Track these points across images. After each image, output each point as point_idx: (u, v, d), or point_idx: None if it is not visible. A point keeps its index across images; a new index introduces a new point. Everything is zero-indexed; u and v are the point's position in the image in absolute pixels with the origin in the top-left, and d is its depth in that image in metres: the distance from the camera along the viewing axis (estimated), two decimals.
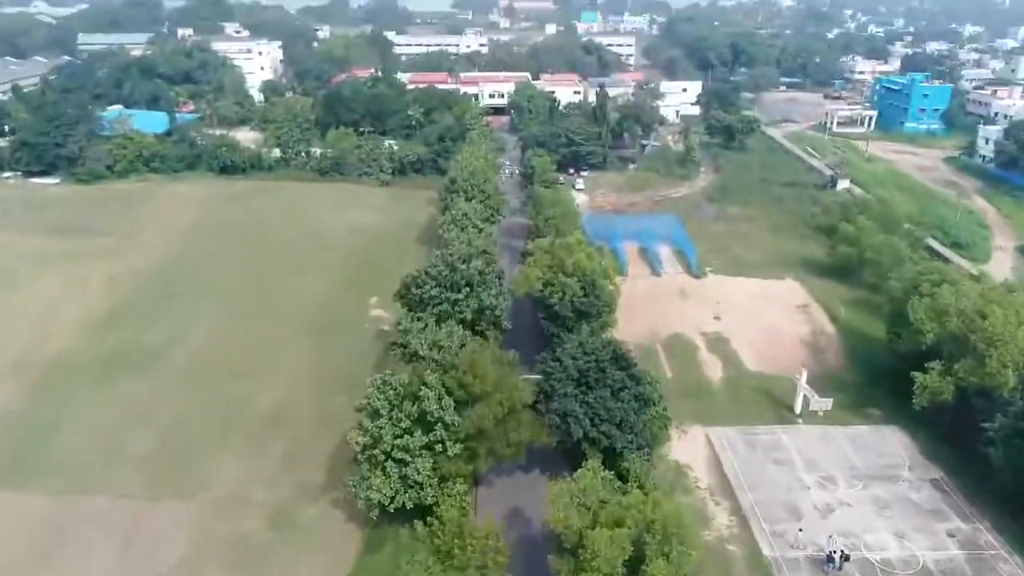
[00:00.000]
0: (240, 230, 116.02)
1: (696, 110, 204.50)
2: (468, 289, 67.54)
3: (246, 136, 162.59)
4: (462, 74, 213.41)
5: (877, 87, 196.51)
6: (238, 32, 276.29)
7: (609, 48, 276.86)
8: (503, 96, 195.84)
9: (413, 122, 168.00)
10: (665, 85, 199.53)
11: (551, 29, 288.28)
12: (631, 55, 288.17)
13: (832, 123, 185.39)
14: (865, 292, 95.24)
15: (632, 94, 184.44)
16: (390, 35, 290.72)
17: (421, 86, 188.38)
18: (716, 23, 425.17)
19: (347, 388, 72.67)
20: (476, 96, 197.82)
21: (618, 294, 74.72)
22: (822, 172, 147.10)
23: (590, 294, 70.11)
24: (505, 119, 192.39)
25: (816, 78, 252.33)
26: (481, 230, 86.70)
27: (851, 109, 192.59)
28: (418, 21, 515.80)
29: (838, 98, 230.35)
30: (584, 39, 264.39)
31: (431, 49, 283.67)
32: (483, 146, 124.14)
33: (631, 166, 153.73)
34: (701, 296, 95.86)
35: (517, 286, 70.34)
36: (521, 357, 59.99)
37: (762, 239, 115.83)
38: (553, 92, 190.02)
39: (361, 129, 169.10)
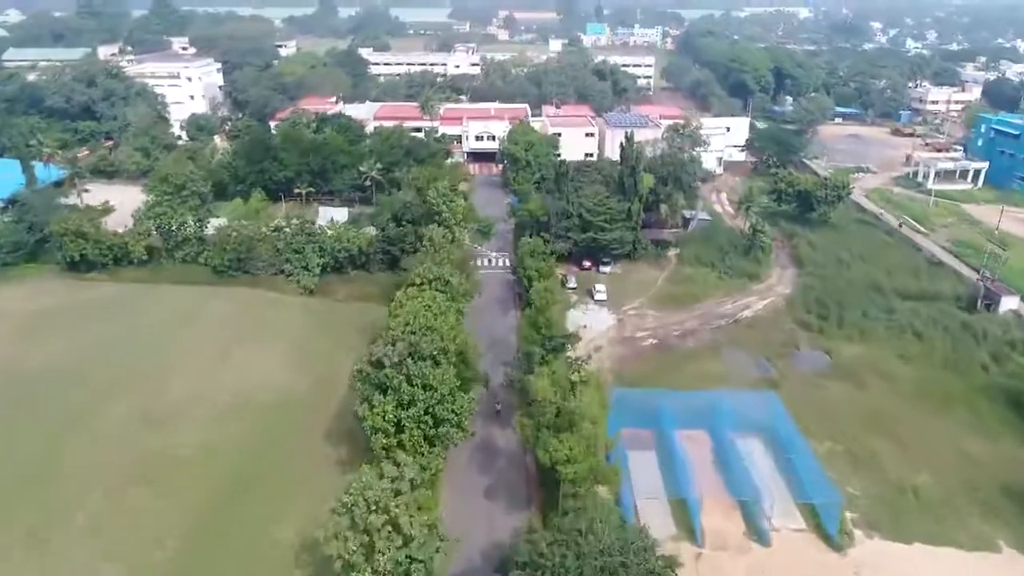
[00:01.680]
0: (30, 407, 67.43)
1: (743, 155, 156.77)
2: None
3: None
4: (443, 107, 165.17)
5: (983, 129, 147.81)
6: (184, 49, 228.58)
7: (624, 69, 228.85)
8: (494, 138, 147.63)
9: (368, 182, 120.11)
10: (706, 124, 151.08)
11: (555, 46, 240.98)
12: (649, 77, 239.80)
13: (929, 177, 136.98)
14: None
15: (664, 138, 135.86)
16: (366, 52, 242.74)
17: (388, 124, 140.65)
18: (736, 37, 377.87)
19: None
20: (460, 138, 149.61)
21: None
22: (957, 271, 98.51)
23: None
24: (497, 169, 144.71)
25: (878, 108, 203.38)
26: (414, 517, 38.08)
27: (953, 160, 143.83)
28: (410, 32, 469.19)
29: (911, 135, 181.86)
30: (596, 60, 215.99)
31: (414, 69, 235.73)
32: (447, 258, 75.34)
33: (671, 252, 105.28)
34: None
35: None
36: None
37: (919, 425, 66.74)
38: (559, 134, 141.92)
39: (297, 190, 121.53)
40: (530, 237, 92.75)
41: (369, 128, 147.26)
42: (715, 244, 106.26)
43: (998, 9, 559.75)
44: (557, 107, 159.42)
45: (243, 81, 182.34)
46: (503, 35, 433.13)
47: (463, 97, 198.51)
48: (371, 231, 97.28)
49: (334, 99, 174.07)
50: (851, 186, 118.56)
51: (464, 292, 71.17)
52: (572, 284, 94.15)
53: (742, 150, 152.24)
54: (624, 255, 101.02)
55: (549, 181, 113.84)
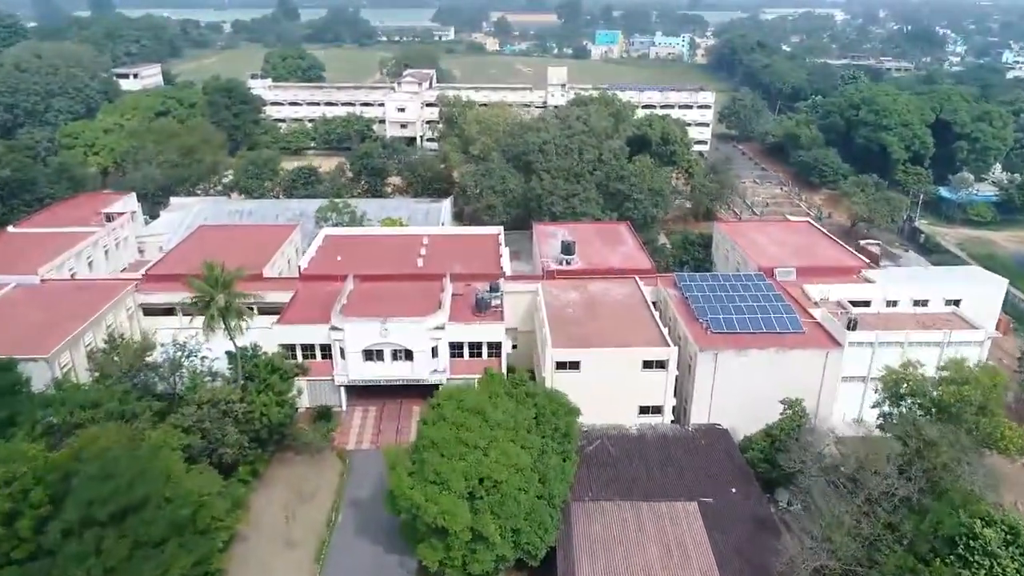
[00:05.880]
0: None
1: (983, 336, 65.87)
2: None
3: None
4: (325, 231, 74.68)
5: None
6: None
7: (666, 110, 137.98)
8: (409, 355, 56.96)
9: None
10: (883, 277, 60.57)
11: (558, 73, 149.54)
12: (707, 124, 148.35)
13: None
14: None
15: (890, 409, 45.43)
16: (262, 86, 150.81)
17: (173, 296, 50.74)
18: (786, 48, 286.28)
19: None
20: (330, 349, 58.64)
21: None
22: None
23: None
24: (417, 411, 54.05)
25: None
26: None
27: None
28: (383, 38, 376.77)
29: None
30: (625, 98, 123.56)
31: (335, 111, 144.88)
32: None
33: None
34: None
35: None
36: None
37: None
38: (574, 365, 51.48)
39: None
40: None
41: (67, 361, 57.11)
42: None
43: None
44: (566, 252, 67.91)
45: None
46: (491, 44, 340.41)
47: (392, 182, 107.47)
48: None
49: (106, 213, 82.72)
50: None
51: None
52: None
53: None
54: None
55: None
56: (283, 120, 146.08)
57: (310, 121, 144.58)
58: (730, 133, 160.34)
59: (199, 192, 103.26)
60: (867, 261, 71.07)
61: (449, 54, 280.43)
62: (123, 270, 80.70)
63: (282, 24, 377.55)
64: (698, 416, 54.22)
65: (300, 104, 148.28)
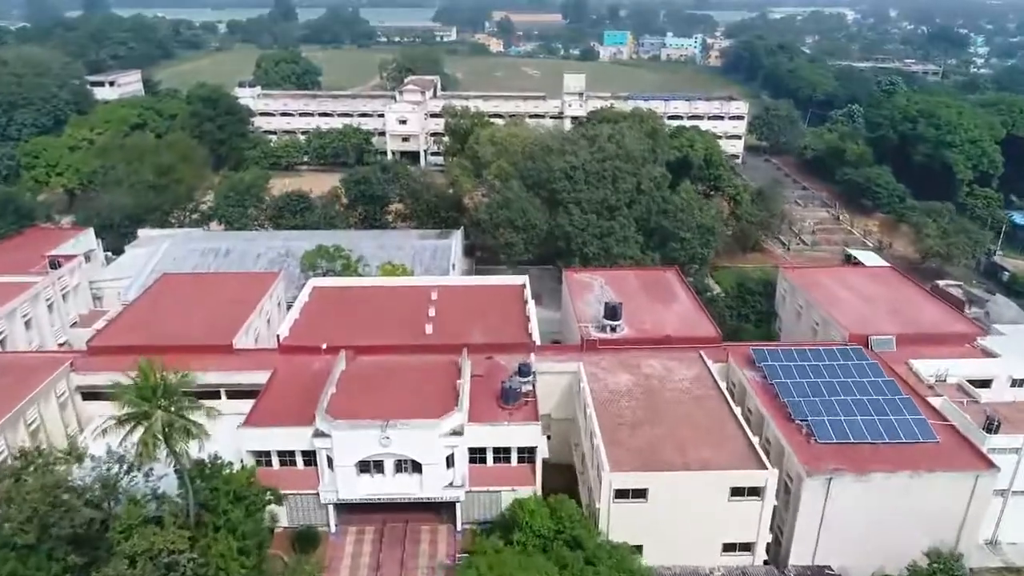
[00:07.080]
0: None
1: None
2: None
3: None
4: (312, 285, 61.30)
5: None
6: None
7: (693, 121, 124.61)
8: (417, 468, 43.72)
9: None
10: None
11: (575, 81, 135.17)
12: (740, 137, 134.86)
13: None
14: None
15: None
16: (251, 95, 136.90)
17: None
18: (806, 51, 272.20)
19: None
20: (315, 460, 45.23)
21: None
22: None
23: None
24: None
25: None
26: None
27: None
28: (383, 39, 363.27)
29: None
30: (658, 111, 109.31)
31: (330, 122, 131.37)
32: None
33: None
34: None
35: None
36: None
37: None
38: (639, 496, 38.16)
39: None
40: None
41: None
42: None
43: None
44: (611, 316, 53.77)
45: None
46: (494, 45, 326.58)
47: (393, 207, 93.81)
48: None
49: (51, 258, 68.80)
50: None
51: None
52: None
53: None
54: None
55: None
56: (273, 132, 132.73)
57: (303, 133, 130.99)
58: (759, 145, 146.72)
59: (173, 222, 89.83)
60: (981, 326, 57.57)
61: (452, 55, 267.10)
62: (73, 324, 67.36)
63: (279, 24, 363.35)
64: (799, 555, 40.83)
65: (292, 115, 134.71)
